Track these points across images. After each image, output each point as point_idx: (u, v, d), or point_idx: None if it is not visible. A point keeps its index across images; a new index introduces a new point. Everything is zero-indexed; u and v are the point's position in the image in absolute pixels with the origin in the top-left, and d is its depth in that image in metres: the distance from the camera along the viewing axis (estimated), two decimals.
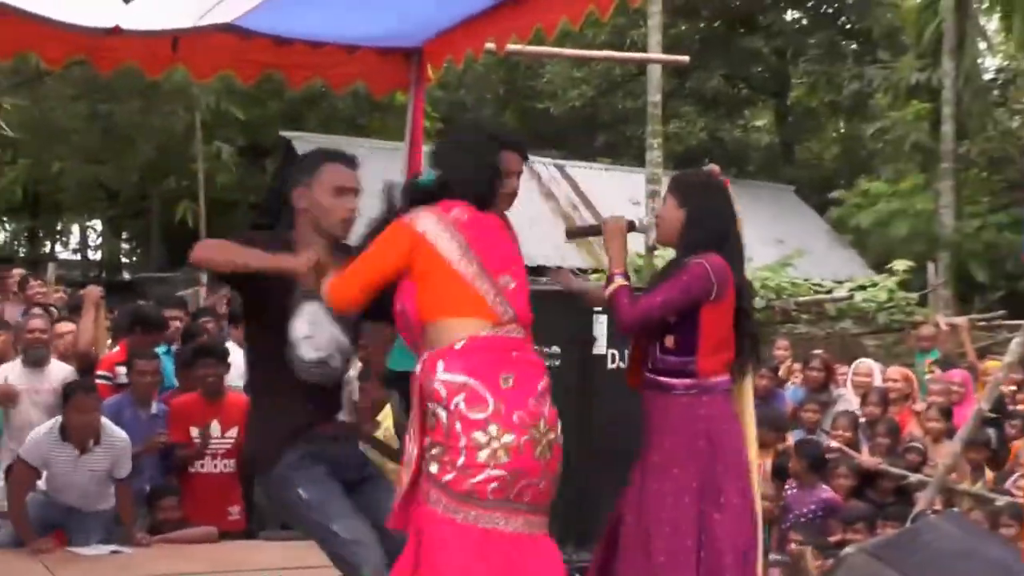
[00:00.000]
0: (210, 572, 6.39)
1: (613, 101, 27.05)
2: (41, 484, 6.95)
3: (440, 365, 3.83)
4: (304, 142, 21.31)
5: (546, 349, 6.86)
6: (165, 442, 7.50)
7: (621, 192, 21.65)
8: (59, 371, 7.76)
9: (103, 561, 6.38)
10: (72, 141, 18.57)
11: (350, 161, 4.30)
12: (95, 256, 34.58)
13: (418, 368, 3.93)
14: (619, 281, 4.62)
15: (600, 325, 6.95)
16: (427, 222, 3.94)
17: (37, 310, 9.45)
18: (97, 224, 31.32)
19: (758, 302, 14.53)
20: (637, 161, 23.91)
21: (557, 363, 6.93)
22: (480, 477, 3.75)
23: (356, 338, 4.52)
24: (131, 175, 18.86)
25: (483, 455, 3.74)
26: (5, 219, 28.85)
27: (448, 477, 3.77)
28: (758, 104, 29.86)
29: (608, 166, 24.99)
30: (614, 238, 4.75)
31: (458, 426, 3.76)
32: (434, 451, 3.82)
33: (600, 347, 7.04)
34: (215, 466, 7.61)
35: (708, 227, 4.75)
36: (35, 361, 8.08)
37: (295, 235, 4.23)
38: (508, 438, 3.77)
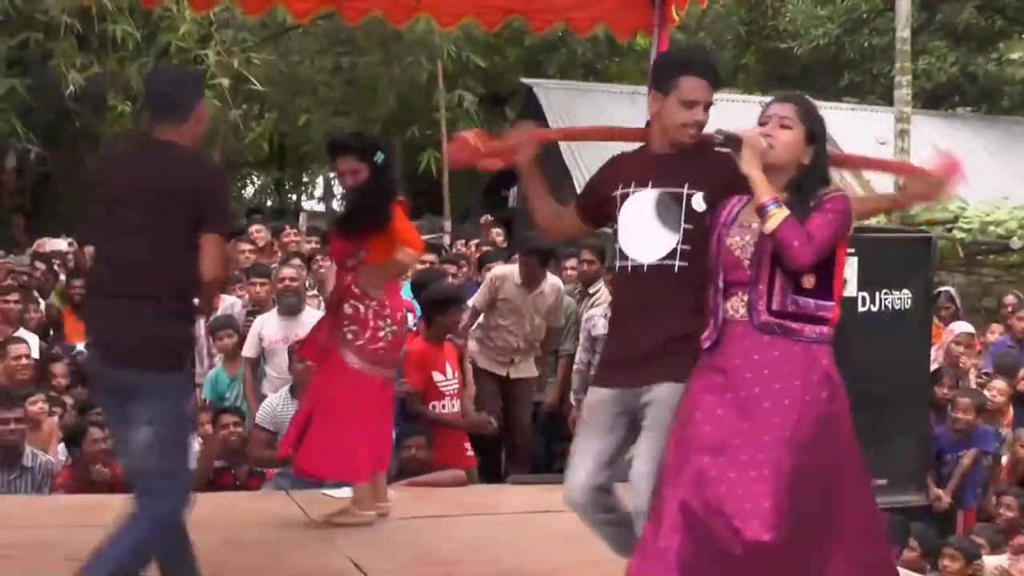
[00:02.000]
0: (460, 515, 6.51)
1: (859, 39, 26.25)
2: None
3: None
4: (544, 88, 21.40)
5: None
6: (408, 390, 7.65)
7: (867, 132, 21.06)
8: (314, 319, 7.82)
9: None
10: (317, 94, 19.00)
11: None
12: (339, 206, 35.41)
13: None
14: (781, 211, 3.93)
15: (851, 267, 6.82)
16: None
17: (295, 260, 9.72)
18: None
19: (1014, 242, 14.01)
20: (884, 100, 23.22)
21: None
22: None
23: None
24: (374, 126, 19.18)
25: None
26: (254, 172, 29.78)
27: None
28: (1013, 36, 28.57)
29: (854, 105, 24.34)
30: (753, 158, 4.06)
31: None
32: None
33: (851, 290, 6.91)
34: (453, 406, 7.85)
35: (825, 161, 4.23)
36: (289, 309, 8.33)
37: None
38: None
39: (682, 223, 4.26)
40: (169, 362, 4.37)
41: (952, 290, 11.25)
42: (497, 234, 12.58)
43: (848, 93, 26.28)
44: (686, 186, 4.28)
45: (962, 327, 9.74)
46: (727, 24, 28.62)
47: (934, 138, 21.90)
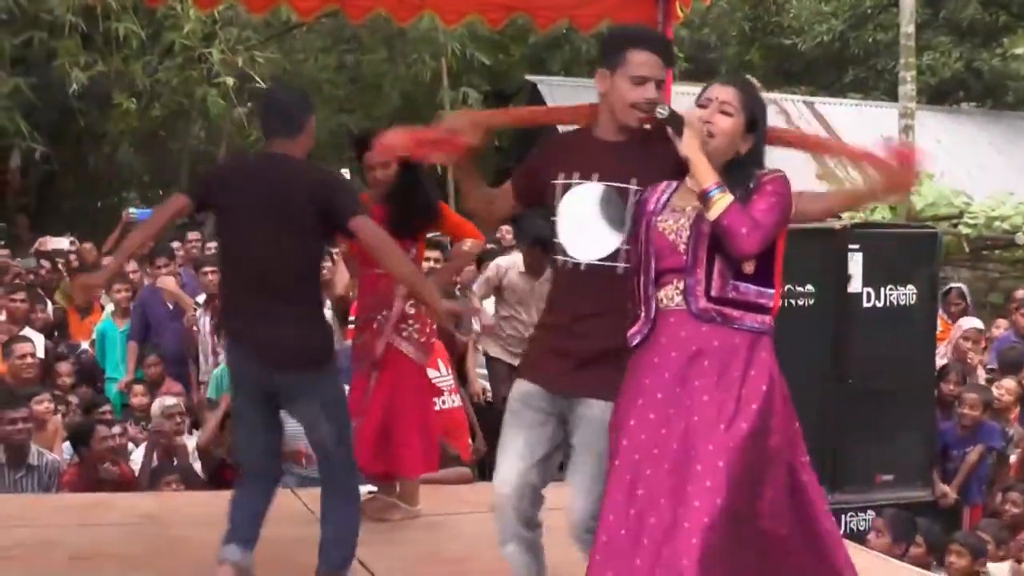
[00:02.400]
0: (467, 512, 6.50)
1: (863, 34, 26.22)
2: None
3: None
4: (548, 85, 21.38)
5: (799, 288, 6.76)
6: None
7: (872, 128, 21.03)
8: None
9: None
10: (322, 92, 18.99)
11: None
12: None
13: None
14: (725, 197, 3.64)
15: (856, 263, 6.82)
16: None
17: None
18: (346, 172, 32.04)
19: (1019, 237, 13.99)
20: (888, 96, 23.20)
21: (811, 302, 6.82)
22: None
23: None
24: (379, 123, 19.16)
25: None
26: None
27: None
28: (1018, 31, 28.52)
29: (859, 101, 24.31)
30: (694, 140, 3.76)
31: None
32: None
33: (856, 285, 6.91)
34: (454, 401, 7.88)
35: (763, 150, 3.91)
36: None
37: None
38: None
39: (627, 222, 3.95)
40: (328, 358, 4.85)
41: (963, 286, 11.25)
42: (506, 231, 12.52)
43: (852, 89, 26.25)
44: (633, 181, 3.97)
45: (971, 323, 9.73)
46: (731, 20, 28.60)
47: (939, 134, 21.88)
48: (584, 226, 3.99)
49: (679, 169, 3.84)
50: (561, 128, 4.48)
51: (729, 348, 3.71)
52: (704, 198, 3.66)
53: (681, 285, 3.76)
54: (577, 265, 4.02)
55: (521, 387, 4.18)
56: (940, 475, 8.08)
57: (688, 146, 3.74)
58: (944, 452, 8.27)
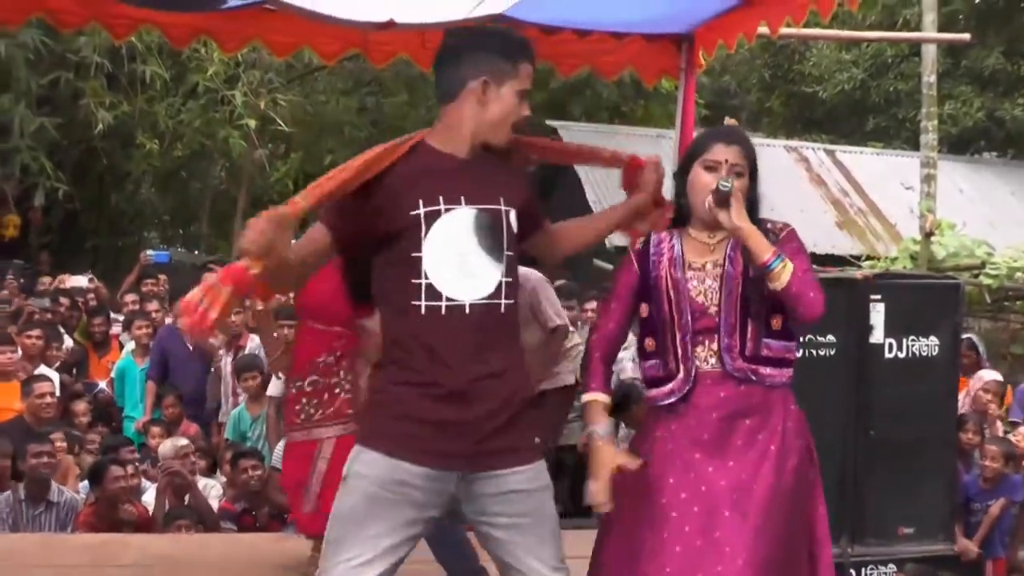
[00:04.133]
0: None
1: (884, 83, 26.27)
2: None
3: None
4: (569, 130, 21.42)
5: (820, 338, 6.73)
6: None
7: (893, 177, 21.04)
8: None
9: None
10: (343, 134, 19.07)
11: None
12: None
13: None
14: (787, 265, 3.66)
15: (878, 313, 6.77)
16: None
17: None
18: None
19: None
20: (909, 144, 23.19)
21: (832, 352, 6.78)
22: None
23: None
24: None
25: None
26: None
27: None
28: None
29: (879, 150, 24.31)
30: (743, 211, 3.74)
31: None
32: None
33: (877, 336, 6.86)
34: None
35: (758, 196, 3.89)
36: None
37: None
38: None
39: (505, 250, 3.53)
40: None
41: (974, 338, 11.18)
42: None
43: (874, 137, 26.27)
44: (502, 201, 3.55)
45: (991, 375, 9.68)
46: (752, 67, 28.70)
47: (960, 183, 21.87)
48: (459, 260, 3.47)
49: (531, 188, 3.73)
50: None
51: (766, 405, 3.77)
52: (767, 269, 3.66)
53: (714, 346, 3.78)
54: (457, 307, 3.44)
55: (381, 469, 3.42)
56: (962, 528, 8.02)
57: (739, 217, 3.70)
58: (966, 504, 8.21)
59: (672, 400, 3.80)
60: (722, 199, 3.71)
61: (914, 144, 19.80)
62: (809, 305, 3.67)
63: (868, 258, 16.02)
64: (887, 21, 24.33)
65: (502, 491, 3.48)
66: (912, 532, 7.17)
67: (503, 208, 3.55)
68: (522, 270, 3.89)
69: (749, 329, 3.76)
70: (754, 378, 3.76)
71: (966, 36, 13.50)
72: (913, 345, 6.99)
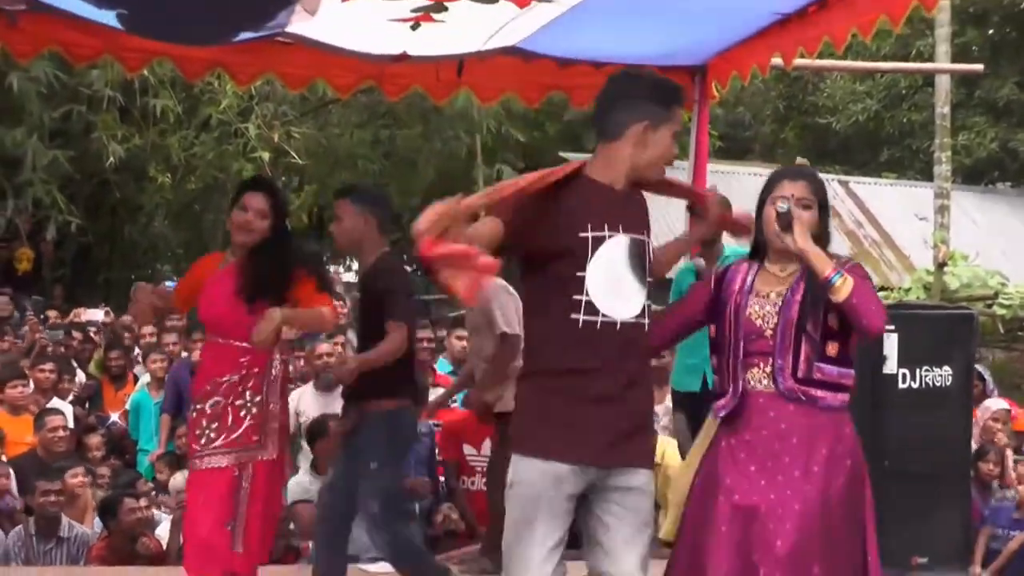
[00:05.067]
0: None
1: (898, 114, 26.29)
2: None
3: None
4: None
5: None
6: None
7: (907, 208, 21.06)
8: None
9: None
10: (357, 167, 19.11)
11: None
12: None
13: None
14: (847, 279, 3.92)
15: (891, 344, 6.75)
16: None
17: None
18: None
19: None
20: (923, 175, 23.19)
21: None
22: None
23: None
24: (413, 199, 19.27)
25: None
26: None
27: None
28: None
29: (893, 181, 24.32)
30: (807, 233, 4.02)
31: None
32: None
33: (891, 366, 6.85)
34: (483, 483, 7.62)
35: (828, 227, 4.22)
36: (327, 385, 8.28)
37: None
38: None
39: (647, 276, 3.96)
40: None
41: (980, 368, 11.14)
42: None
43: (887, 168, 26.28)
44: (645, 232, 4.00)
45: (998, 403, 9.65)
46: (766, 99, 28.73)
47: (973, 214, 21.84)
48: (615, 282, 3.87)
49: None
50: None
51: (815, 426, 3.97)
52: (828, 285, 3.91)
53: (768, 368, 4.01)
54: (610, 324, 3.84)
55: (543, 472, 3.82)
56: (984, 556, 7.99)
57: (801, 238, 3.98)
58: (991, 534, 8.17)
59: (723, 414, 4.07)
60: (785, 222, 4.00)
61: (928, 175, 19.82)
62: (870, 317, 3.91)
63: (882, 289, 16.00)
64: (901, 52, 24.35)
65: (628, 486, 3.88)
66: (926, 562, 7.14)
67: (646, 239, 3.99)
68: None
69: (803, 352, 3.98)
70: (804, 399, 3.97)
71: (979, 67, 13.51)
72: (927, 375, 6.97)
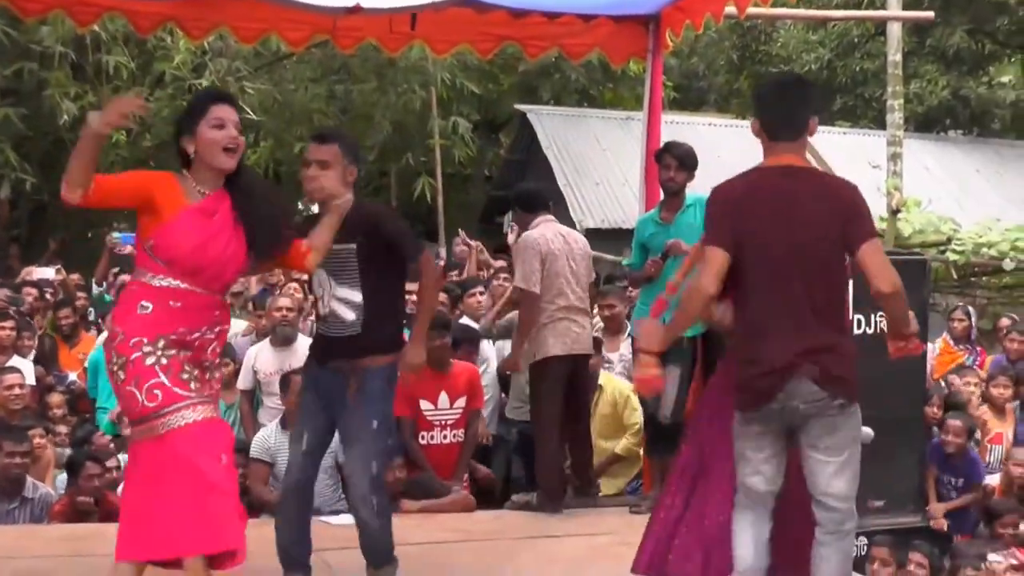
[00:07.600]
0: (461, 541, 6.49)
1: (850, 63, 26.39)
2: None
3: None
4: (538, 115, 21.46)
5: None
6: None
7: (860, 156, 21.14)
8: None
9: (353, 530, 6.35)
10: (312, 122, 19.03)
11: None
12: None
13: None
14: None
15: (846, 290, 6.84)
16: None
17: (290, 288, 9.65)
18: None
19: (1007, 264, 14.04)
20: (876, 124, 23.31)
21: None
22: None
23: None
24: (369, 153, 19.20)
25: None
26: None
27: None
28: (1003, 59, 28.70)
29: (846, 129, 24.43)
30: None
31: None
32: None
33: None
34: (444, 437, 7.60)
35: None
36: (284, 340, 8.27)
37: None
38: None
39: None
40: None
41: (969, 307, 11.31)
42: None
43: (841, 117, 26.38)
44: None
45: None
46: (720, 49, 28.75)
47: (926, 161, 21.98)
48: None
49: None
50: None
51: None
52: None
53: None
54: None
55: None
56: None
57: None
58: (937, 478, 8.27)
59: None
60: None
61: (880, 123, 19.90)
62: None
63: None
64: (853, 1, 24.43)
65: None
66: (882, 505, 7.26)
67: None
68: None
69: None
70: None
71: (930, 15, 13.61)
72: (881, 321, 7.04)
